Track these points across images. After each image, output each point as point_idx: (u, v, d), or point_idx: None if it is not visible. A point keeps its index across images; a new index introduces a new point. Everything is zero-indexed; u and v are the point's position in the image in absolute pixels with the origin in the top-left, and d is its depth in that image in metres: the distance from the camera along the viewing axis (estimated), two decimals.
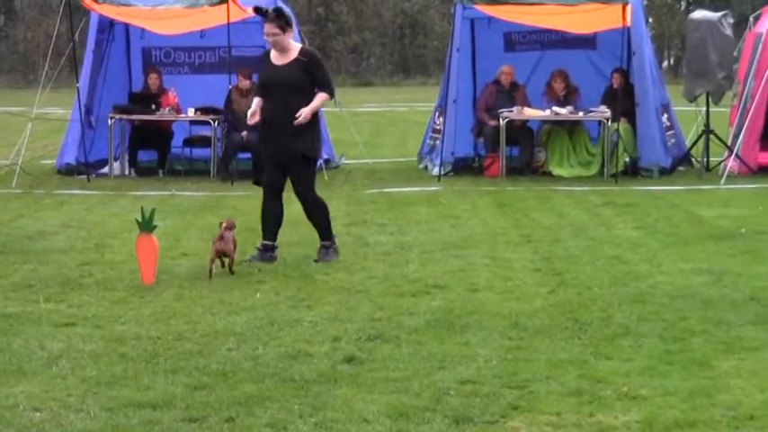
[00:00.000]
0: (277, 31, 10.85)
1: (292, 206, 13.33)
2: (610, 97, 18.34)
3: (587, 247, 11.89)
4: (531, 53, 19.70)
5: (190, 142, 19.17)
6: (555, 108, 18.28)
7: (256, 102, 11.14)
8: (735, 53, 19.12)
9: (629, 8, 17.40)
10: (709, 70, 18.18)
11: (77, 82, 18.37)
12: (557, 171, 18.38)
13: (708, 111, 18.58)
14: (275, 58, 11.00)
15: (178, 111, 18.53)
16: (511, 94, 18.67)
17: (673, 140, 18.92)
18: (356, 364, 7.49)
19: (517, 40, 19.77)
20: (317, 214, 11.19)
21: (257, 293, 9.64)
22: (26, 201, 15.68)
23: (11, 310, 9.06)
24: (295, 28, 19.49)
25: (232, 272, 10.45)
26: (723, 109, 19.65)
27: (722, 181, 17.15)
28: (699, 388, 6.90)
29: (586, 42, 19.23)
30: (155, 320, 8.72)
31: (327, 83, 11.05)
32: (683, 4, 56.80)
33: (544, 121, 18.65)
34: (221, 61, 19.08)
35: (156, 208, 10.78)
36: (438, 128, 18.96)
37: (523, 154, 18.73)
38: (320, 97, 10.94)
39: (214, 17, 17.64)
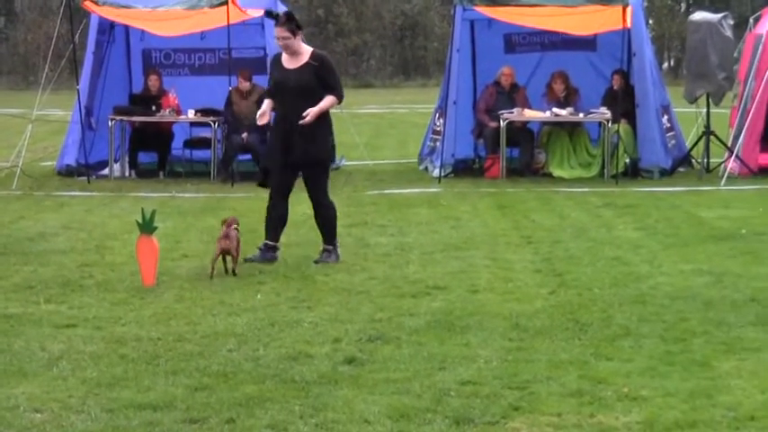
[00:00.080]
0: (287, 34, 10.89)
1: (293, 207, 13.34)
2: (610, 99, 18.35)
3: (588, 248, 11.89)
4: (532, 54, 19.69)
5: (190, 144, 19.18)
6: (555, 109, 18.29)
7: (267, 103, 11.14)
8: (735, 54, 19.13)
9: (629, 10, 17.41)
10: (709, 71, 18.19)
11: (77, 84, 18.37)
12: (557, 172, 18.39)
13: (708, 112, 18.59)
14: (286, 61, 11.03)
15: (178, 112, 18.53)
16: (511, 95, 18.67)
17: (673, 142, 18.92)
18: (357, 365, 7.49)
19: (517, 41, 19.77)
20: (326, 217, 11.19)
21: (258, 294, 9.64)
22: (26, 202, 15.68)
23: (11, 311, 9.06)
24: None
25: (234, 273, 10.44)
26: (723, 110, 19.66)
27: (722, 182, 17.15)
28: (699, 389, 6.90)
29: (586, 44, 19.23)
30: (155, 322, 8.72)
31: (337, 86, 11.06)
32: (683, 6, 56.84)
33: (544, 123, 18.65)
34: (221, 63, 19.08)
35: (157, 209, 10.78)
36: (438, 129, 18.96)
37: (524, 155, 18.73)
38: (328, 99, 10.95)
39: (214, 19, 17.64)
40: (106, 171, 18.69)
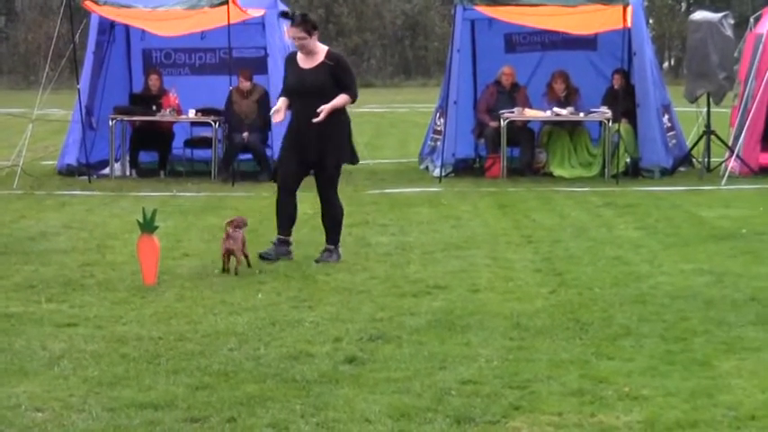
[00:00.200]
0: (303, 34, 10.92)
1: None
2: (610, 98, 18.35)
3: (588, 247, 11.90)
4: (532, 54, 19.70)
5: (191, 143, 19.18)
6: (556, 109, 18.29)
7: (282, 100, 11.15)
8: (735, 54, 19.13)
9: (629, 9, 17.41)
10: (709, 71, 18.20)
11: (78, 83, 18.38)
12: (557, 172, 18.39)
13: (708, 111, 18.59)
14: (302, 60, 11.06)
15: (179, 112, 18.54)
16: (511, 95, 18.68)
17: (674, 141, 18.93)
18: (358, 364, 7.49)
19: (518, 41, 19.78)
20: (334, 217, 11.19)
21: (259, 294, 9.65)
22: (27, 202, 15.68)
23: (13, 310, 9.07)
24: None
25: (236, 272, 10.46)
26: (724, 110, 19.66)
27: (723, 181, 17.15)
28: (700, 388, 6.90)
29: (587, 43, 19.24)
30: (156, 321, 8.73)
31: (352, 86, 11.08)
32: (684, 5, 56.85)
33: (545, 122, 18.65)
34: (222, 62, 19.08)
35: (158, 209, 10.77)
36: (439, 129, 18.97)
37: (524, 155, 18.73)
38: (342, 98, 10.96)
39: (214, 18, 17.64)
40: (107, 170, 18.70)
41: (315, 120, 10.79)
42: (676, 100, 19.84)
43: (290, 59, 11.24)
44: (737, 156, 17.97)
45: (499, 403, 6.64)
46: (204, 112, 18.45)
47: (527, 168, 18.55)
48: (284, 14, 11.34)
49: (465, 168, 18.92)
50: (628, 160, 18.40)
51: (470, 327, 8.46)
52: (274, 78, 18.29)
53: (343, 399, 6.74)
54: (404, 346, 7.93)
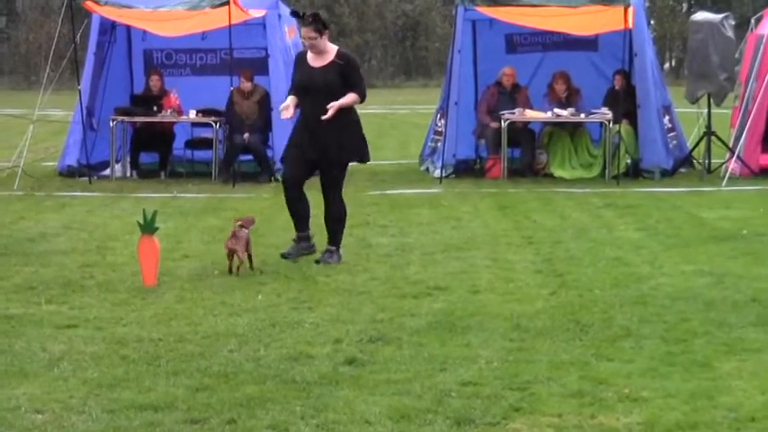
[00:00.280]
0: (314, 34, 10.97)
1: None
2: (611, 99, 18.35)
3: (589, 248, 11.89)
4: (533, 55, 19.69)
5: (191, 144, 19.18)
6: (556, 110, 18.29)
7: (290, 98, 11.16)
8: (736, 55, 19.12)
9: (630, 10, 17.40)
10: (710, 72, 18.19)
11: (79, 84, 18.38)
12: (558, 173, 18.39)
13: (709, 112, 18.59)
14: (312, 59, 11.09)
15: (179, 113, 18.54)
16: (512, 95, 18.67)
17: (674, 142, 18.92)
18: (358, 365, 7.49)
19: (519, 41, 19.76)
20: (335, 216, 11.19)
21: (259, 295, 9.65)
22: (27, 203, 15.68)
23: (12, 311, 9.07)
24: (297, 30, 19.71)
25: (237, 273, 10.47)
26: (725, 111, 19.65)
27: (724, 183, 17.15)
28: (700, 389, 6.89)
29: (588, 44, 19.23)
30: (156, 322, 8.72)
31: (360, 86, 11.11)
32: (685, 6, 56.81)
33: (545, 123, 18.65)
34: (223, 63, 19.07)
35: (158, 210, 10.78)
36: (439, 130, 18.96)
37: (525, 156, 18.73)
38: (350, 96, 10.99)
39: (216, 19, 17.64)
40: (107, 171, 18.69)
41: (324, 117, 10.80)
42: (677, 101, 19.84)
43: (300, 58, 11.29)
44: (738, 157, 17.96)
45: (499, 405, 6.64)
46: (205, 112, 18.45)
47: (528, 169, 18.55)
48: (294, 14, 11.37)
49: (465, 169, 18.91)
50: (628, 161, 18.40)
51: (471, 328, 8.46)
52: (275, 79, 18.32)
53: (343, 400, 6.74)
54: (404, 347, 7.93)
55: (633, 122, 18.30)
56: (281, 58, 18.46)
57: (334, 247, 11.19)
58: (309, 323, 8.65)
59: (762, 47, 18.20)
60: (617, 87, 18.42)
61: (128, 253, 11.42)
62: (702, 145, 18.62)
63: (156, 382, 7.09)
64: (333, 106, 10.84)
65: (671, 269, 10.70)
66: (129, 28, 19.23)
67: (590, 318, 8.73)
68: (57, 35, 20.76)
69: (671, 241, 12.31)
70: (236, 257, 10.51)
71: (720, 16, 18.88)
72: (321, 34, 11.00)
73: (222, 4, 17.48)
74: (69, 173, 18.53)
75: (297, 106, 11.13)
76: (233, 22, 17.36)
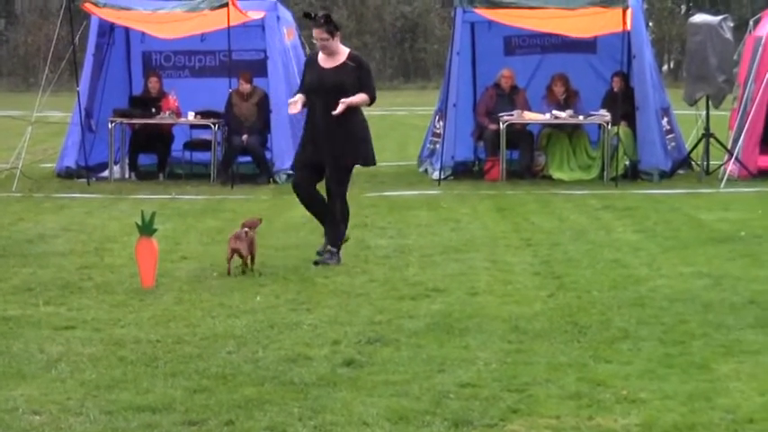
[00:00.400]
0: (326, 36, 11.00)
1: (295, 210, 13.36)
2: (610, 101, 18.35)
3: (587, 250, 11.89)
4: (531, 57, 19.69)
5: (190, 146, 19.18)
6: (555, 112, 18.29)
7: (299, 96, 11.17)
8: (735, 57, 19.13)
9: (629, 12, 17.40)
10: (709, 74, 18.20)
11: (77, 85, 18.38)
12: (557, 175, 18.39)
13: (708, 114, 18.60)
14: (323, 60, 11.12)
15: (178, 114, 18.54)
16: (511, 97, 18.68)
17: (673, 144, 18.92)
18: (356, 367, 7.49)
19: (517, 43, 19.77)
20: (339, 215, 11.18)
21: (257, 297, 9.64)
22: (26, 204, 15.68)
23: (10, 313, 9.07)
24: (296, 32, 19.72)
25: (244, 272, 10.49)
26: (723, 112, 19.66)
27: (722, 184, 17.16)
28: (698, 391, 6.90)
29: (586, 46, 19.24)
30: (154, 324, 8.72)
31: (371, 87, 11.12)
32: (683, 8, 56.82)
33: (544, 125, 18.65)
34: (222, 65, 19.07)
35: (156, 211, 10.78)
36: (438, 131, 18.97)
37: (523, 158, 18.73)
38: (361, 96, 11.00)
39: (214, 21, 17.64)
40: (106, 173, 18.69)
41: (335, 112, 10.81)
42: (676, 103, 19.84)
43: (311, 59, 11.35)
44: (736, 159, 17.97)
45: (497, 406, 6.64)
46: (204, 114, 18.45)
47: (526, 171, 18.55)
48: (307, 15, 11.40)
49: (464, 171, 18.92)
50: (627, 163, 18.41)
51: (469, 330, 8.46)
52: (274, 81, 18.34)
53: (341, 402, 6.74)
54: (402, 349, 7.93)
55: (632, 124, 18.30)
56: (279, 60, 18.47)
57: (334, 249, 11.19)
58: (308, 325, 8.65)
59: (760, 49, 18.21)
60: (615, 89, 18.42)
61: (126, 254, 11.41)
62: (701, 147, 18.63)
63: (154, 384, 7.09)
64: (344, 101, 10.86)
65: (669, 271, 10.70)
66: (127, 30, 19.23)
67: (588, 319, 8.73)
68: (55, 37, 20.76)
69: (669, 243, 12.32)
70: (236, 257, 10.51)
71: (719, 18, 18.88)
72: (333, 36, 11.04)
73: (221, 6, 17.48)
74: (68, 174, 18.53)
75: (305, 106, 11.16)
76: (232, 23, 17.36)
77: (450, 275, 10.56)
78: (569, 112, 18.29)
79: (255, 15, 18.25)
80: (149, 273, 10.06)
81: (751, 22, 20.16)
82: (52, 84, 18.74)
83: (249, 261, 10.64)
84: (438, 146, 18.76)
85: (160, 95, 18.71)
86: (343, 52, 11.15)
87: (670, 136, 18.88)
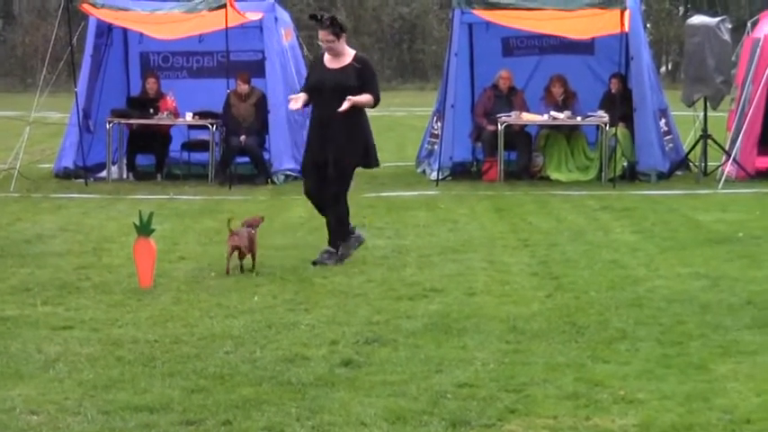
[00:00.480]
0: (332, 37, 11.03)
1: (293, 211, 13.36)
2: (608, 102, 18.35)
3: (585, 251, 11.90)
4: (530, 58, 19.70)
5: (188, 146, 19.18)
6: (553, 113, 18.29)
7: (302, 94, 11.20)
8: (733, 58, 19.14)
9: (627, 14, 17.41)
10: (707, 75, 18.21)
11: (75, 86, 18.38)
12: (555, 175, 18.40)
13: (706, 115, 18.61)
14: (329, 61, 11.15)
15: (176, 115, 18.54)
16: (509, 98, 18.68)
17: (671, 145, 18.93)
18: (353, 367, 7.49)
19: (515, 45, 19.77)
20: (337, 216, 11.19)
21: (255, 297, 9.64)
22: (24, 204, 15.68)
23: (8, 313, 9.06)
24: (293, 33, 19.72)
25: (253, 268, 10.51)
26: (721, 114, 19.66)
27: (720, 185, 17.16)
28: (696, 392, 6.90)
29: (584, 47, 19.24)
30: (152, 324, 8.72)
31: (376, 89, 11.15)
32: (681, 10, 56.83)
33: (542, 126, 18.65)
34: (219, 66, 19.06)
35: (154, 212, 10.78)
36: (436, 132, 18.97)
37: (521, 158, 18.73)
38: (365, 96, 11.03)
39: (212, 22, 17.64)
40: (104, 173, 18.68)
41: (339, 110, 10.83)
42: (673, 104, 19.85)
43: (316, 60, 11.41)
44: (734, 160, 17.98)
45: (495, 406, 6.64)
46: (202, 115, 18.45)
47: (524, 172, 18.55)
48: (313, 17, 11.41)
49: (462, 172, 18.92)
50: (625, 164, 18.41)
51: (466, 330, 8.46)
52: (272, 82, 18.34)
53: (338, 402, 6.74)
54: (400, 349, 7.93)
55: (629, 125, 18.31)
56: (277, 61, 18.48)
57: (333, 249, 11.19)
58: (305, 325, 8.65)
59: (758, 50, 18.22)
60: (613, 90, 18.42)
61: (124, 255, 11.41)
62: (699, 148, 18.64)
63: (152, 384, 7.09)
64: (349, 99, 10.88)
65: (667, 272, 10.70)
66: (125, 30, 19.23)
67: (586, 320, 8.74)
68: (53, 37, 20.73)
69: (667, 244, 12.32)
70: (235, 255, 10.51)
71: (717, 20, 18.89)
72: (339, 37, 11.07)
73: (219, 7, 17.49)
74: (65, 175, 18.53)
75: (307, 105, 11.20)
76: (230, 24, 17.37)
77: (448, 276, 10.56)
78: (567, 113, 18.29)
79: (253, 16, 18.26)
80: (147, 273, 10.06)
81: (749, 24, 20.17)
82: (50, 84, 18.73)
83: (250, 258, 10.63)
84: (436, 146, 18.76)
85: (158, 96, 18.71)
86: (349, 54, 11.18)
87: (668, 137, 18.89)
